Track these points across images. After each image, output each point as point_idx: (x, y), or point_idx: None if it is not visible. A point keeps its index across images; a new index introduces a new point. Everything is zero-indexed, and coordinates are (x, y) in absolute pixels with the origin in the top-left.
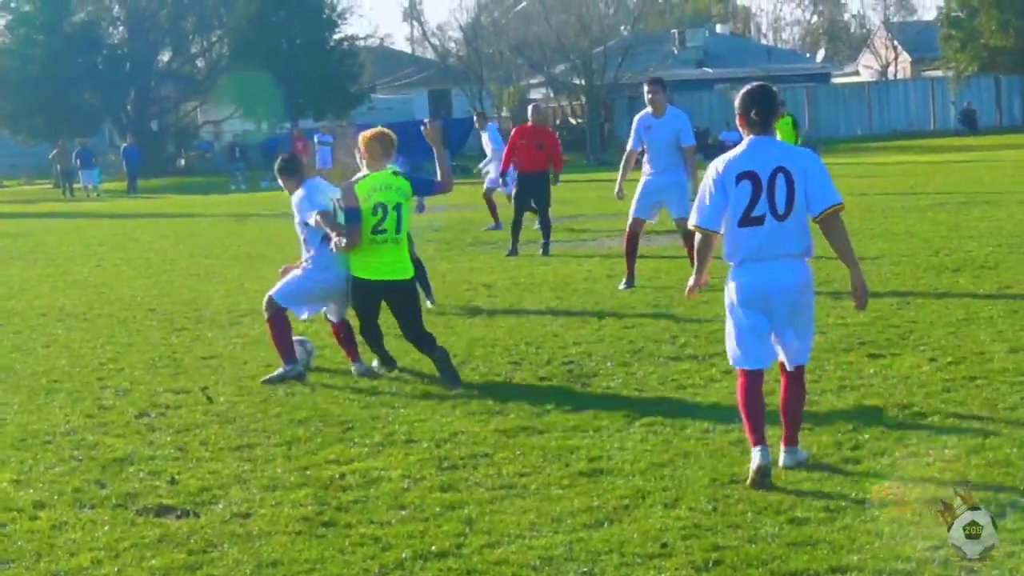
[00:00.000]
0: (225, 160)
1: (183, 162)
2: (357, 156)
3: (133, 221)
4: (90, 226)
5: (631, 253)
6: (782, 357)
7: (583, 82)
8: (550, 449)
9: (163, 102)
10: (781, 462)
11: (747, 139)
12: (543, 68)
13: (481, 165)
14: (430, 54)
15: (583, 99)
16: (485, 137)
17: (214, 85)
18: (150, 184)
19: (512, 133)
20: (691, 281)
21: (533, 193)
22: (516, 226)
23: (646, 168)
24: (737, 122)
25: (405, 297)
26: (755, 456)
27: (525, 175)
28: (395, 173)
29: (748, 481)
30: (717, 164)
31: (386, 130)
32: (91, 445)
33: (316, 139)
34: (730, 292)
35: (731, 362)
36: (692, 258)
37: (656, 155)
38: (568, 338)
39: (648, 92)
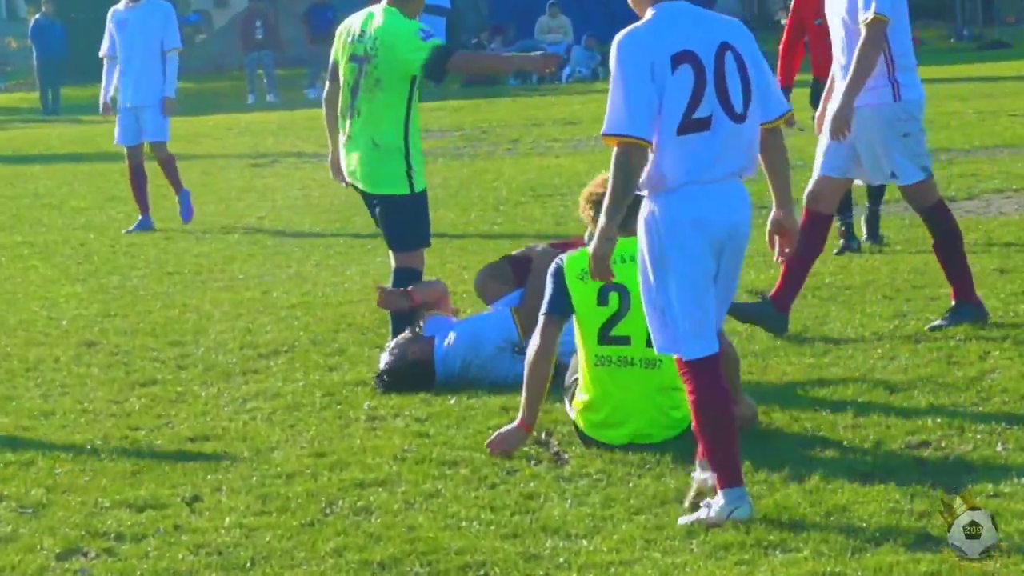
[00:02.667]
0: (236, 48)
1: None
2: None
3: (52, 168)
4: None
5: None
6: None
7: None
8: None
9: None
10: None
11: (651, 9)
12: None
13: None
14: None
15: None
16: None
17: None
18: (83, 95)
19: (792, 6)
20: (598, 234)
21: None
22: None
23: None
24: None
25: None
26: (732, 506)
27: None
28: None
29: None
30: (635, 43)
31: None
32: None
33: None
34: (660, 232)
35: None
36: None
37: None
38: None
39: None
